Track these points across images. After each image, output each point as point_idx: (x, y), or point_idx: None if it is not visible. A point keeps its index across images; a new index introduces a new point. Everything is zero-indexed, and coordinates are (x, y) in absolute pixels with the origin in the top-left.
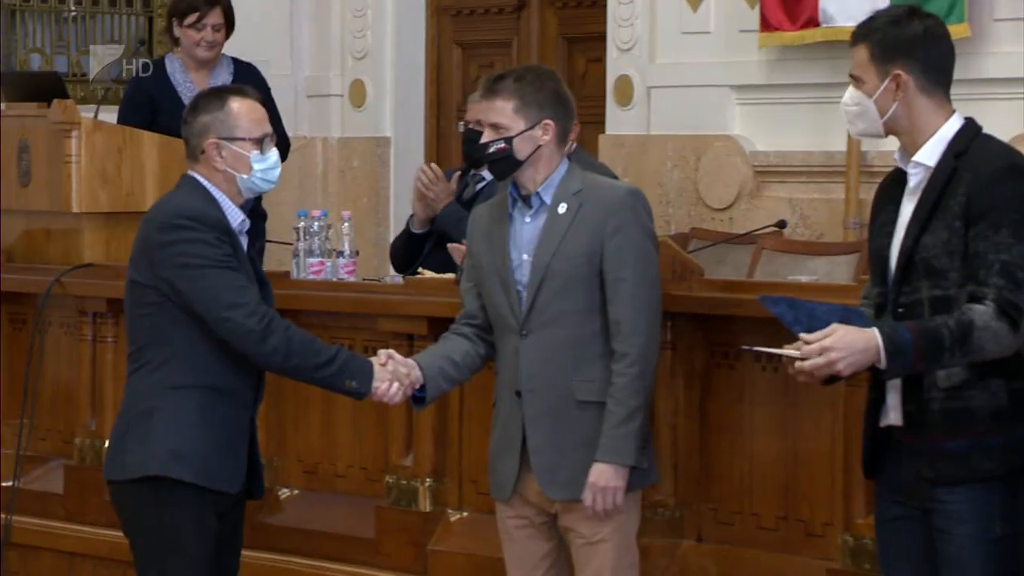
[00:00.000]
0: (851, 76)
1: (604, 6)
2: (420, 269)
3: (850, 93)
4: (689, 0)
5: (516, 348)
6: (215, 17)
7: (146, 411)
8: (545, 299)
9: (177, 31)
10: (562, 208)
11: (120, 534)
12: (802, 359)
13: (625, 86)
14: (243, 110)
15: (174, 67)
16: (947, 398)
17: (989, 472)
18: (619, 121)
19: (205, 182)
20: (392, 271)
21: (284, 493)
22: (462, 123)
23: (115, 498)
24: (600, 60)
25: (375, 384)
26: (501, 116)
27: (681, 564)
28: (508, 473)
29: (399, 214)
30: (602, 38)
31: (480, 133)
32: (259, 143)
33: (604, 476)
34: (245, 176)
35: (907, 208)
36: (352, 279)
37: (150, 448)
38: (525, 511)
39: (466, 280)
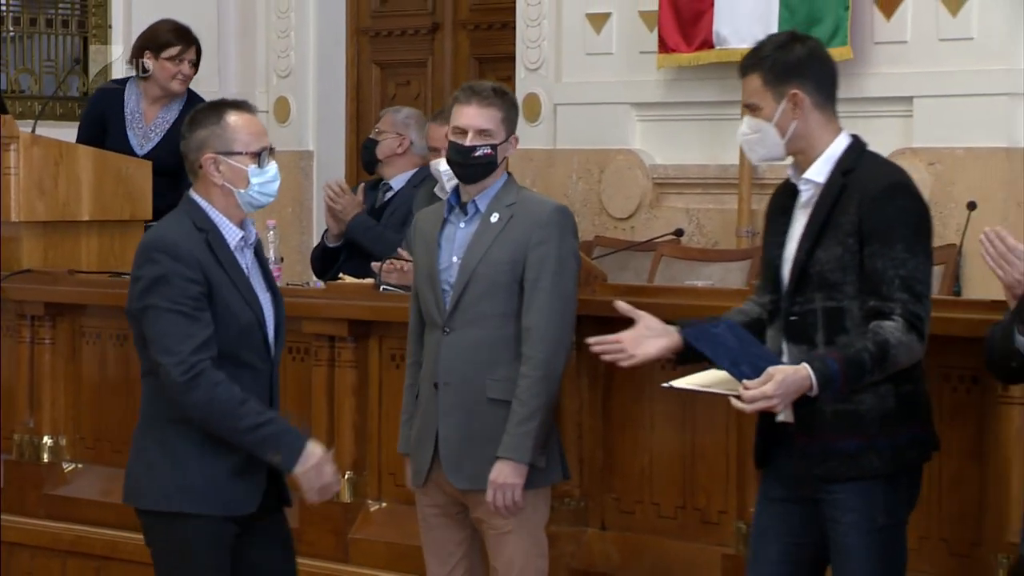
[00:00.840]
0: (745, 106)
1: (513, 29)
2: (341, 274)
3: (747, 122)
4: (592, 23)
5: (439, 343)
6: (192, 54)
7: (151, 443)
8: (468, 300)
9: (150, 62)
10: (494, 217)
11: (58, 524)
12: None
13: (533, 103)
14: (240, 124)
15: (131, 94)
16: (838, 400)
17: (876, 471)
18: (527, 136)
19: (203, 202)
20: (314, 277)
21: None
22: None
23: (138, 517)
24: (510, 79)
25: (299, 468)
26: (492, 124)
27: (586, 551)
28: (423, 462)
29: (321, 223)
30: (511, 59)
31: (375, 142)
32: (256, 157)
33: (503, 473)
34: (243, 190)
35: (800, 221)
36: (277, 284)
37: (158, 483)
38: (439, 500)
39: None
